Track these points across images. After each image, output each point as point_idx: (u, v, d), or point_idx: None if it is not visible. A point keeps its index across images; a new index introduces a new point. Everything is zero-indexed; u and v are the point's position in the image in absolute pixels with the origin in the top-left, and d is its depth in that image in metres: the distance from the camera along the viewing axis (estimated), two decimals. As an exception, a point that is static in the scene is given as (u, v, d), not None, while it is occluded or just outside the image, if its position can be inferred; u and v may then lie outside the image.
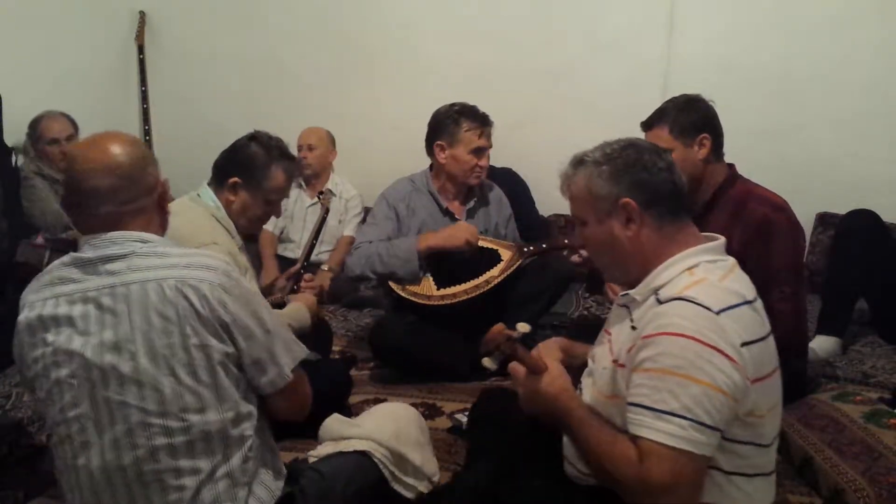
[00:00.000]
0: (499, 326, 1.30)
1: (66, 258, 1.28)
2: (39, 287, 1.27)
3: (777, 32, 3.29)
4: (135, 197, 1.28)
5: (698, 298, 1.16)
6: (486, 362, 1.29)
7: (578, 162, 1.34)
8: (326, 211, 2.69)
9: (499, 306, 2.58)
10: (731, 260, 1.29)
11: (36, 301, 1.25)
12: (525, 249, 2.63)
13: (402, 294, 2.52)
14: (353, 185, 3.70)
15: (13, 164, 2.96)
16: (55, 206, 3.03)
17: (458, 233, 2.53)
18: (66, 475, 1.25)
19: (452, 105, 2.66)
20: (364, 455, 1.54)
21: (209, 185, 1.97)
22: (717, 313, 1.14)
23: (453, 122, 2.60)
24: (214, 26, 3.95)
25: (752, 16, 3.31)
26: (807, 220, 3.07)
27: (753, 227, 1.95)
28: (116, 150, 1.28)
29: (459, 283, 2.54)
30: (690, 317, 1.14)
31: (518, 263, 2.59)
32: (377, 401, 2.38)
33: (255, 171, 1.94)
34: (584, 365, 1.43)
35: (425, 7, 3.68)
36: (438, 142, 2.63)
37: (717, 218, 2.00)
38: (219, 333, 1.23)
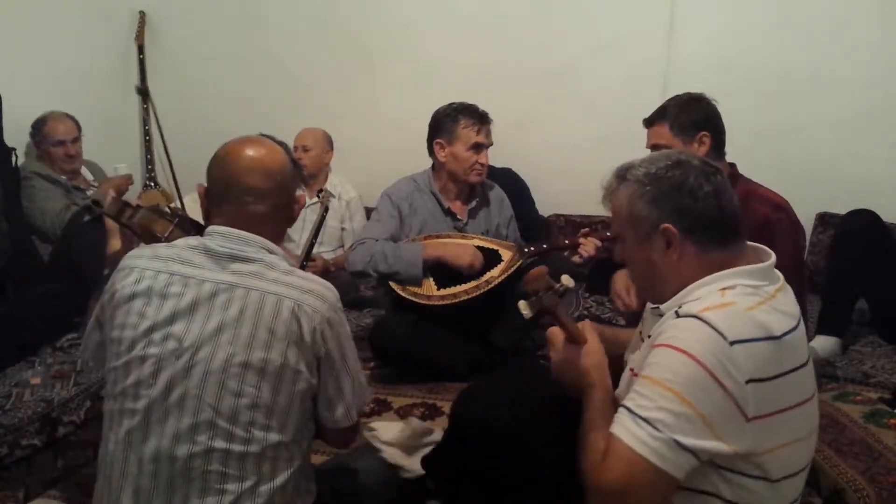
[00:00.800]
0: (542, 269, 1.23)
1: (193, 241, 1.29)
2: (154, 256, 1.27)
3: (777, 32, 3.28)
4: (282, 205, 1.33)
5: (714, 322, 1.10)
6: (522, 306, 1.21)
7: (622, 176, 1.29)
8: (325, 210, 2.69)
9: (499, 306, 2.58)
10: (776, 285, 1.23)
11: (147, 269, 1.25)
12: (525, 250, 2.63)
13: (403, 294, 2.52)
14: (353, 185, 3.69)
15: (13, 164, 2.95)
16: (55, 207, 3.03)
17: (465, 254, 2.53)
18: (110, 446, 1.24)
19: (451, 104, 2.67)
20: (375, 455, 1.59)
21: None
22: (731, 343, 1.09)
23: (451, 120, 2.61)
24: (214, 26, 3.94)
25: (752, 16, 3.31)
26: (807, 220, 3.06)
27: (755, 227, 1.94)
28: (278, 157, 1.34)
29: (460, 284, 2.54)
30: (700, 338, 1.10)
31: (518, 264, 2.59)
32: (377, 401, 2.38)
33: None
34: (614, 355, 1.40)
35: (425, 7, 3.67)
36: (438, 140, 2.64)
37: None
38: (311, 364, 1.25)
